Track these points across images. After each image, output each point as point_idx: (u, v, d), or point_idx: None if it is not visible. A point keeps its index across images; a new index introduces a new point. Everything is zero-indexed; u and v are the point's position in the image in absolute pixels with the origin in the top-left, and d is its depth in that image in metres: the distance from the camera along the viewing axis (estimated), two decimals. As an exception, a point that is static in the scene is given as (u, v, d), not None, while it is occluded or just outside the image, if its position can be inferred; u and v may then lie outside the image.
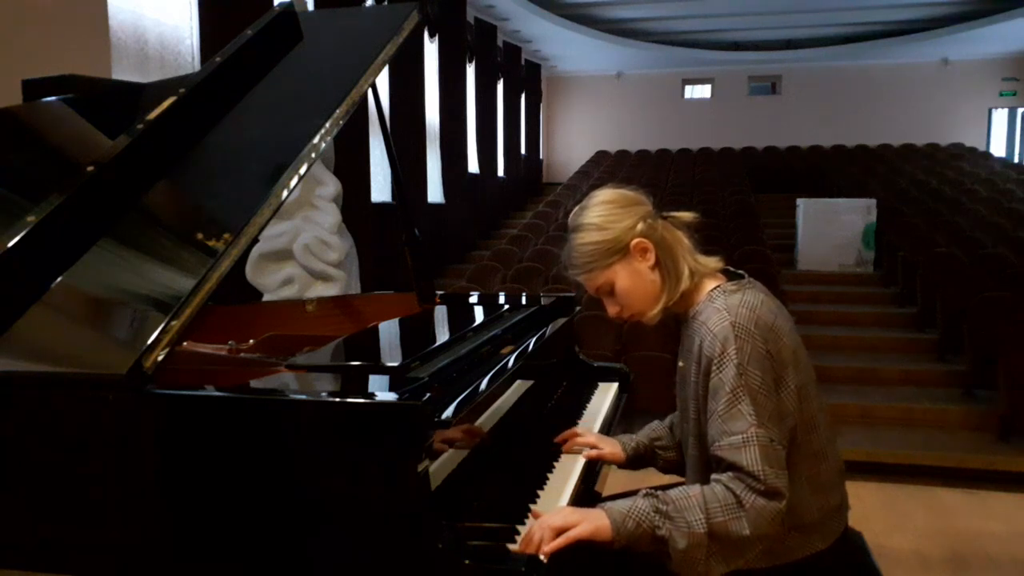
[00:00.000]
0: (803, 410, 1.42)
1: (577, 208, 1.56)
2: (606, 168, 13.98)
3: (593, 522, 1.33)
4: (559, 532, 1.29)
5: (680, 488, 1.37)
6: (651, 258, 1.49)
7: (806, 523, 1.43)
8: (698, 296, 1.50)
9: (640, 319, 1.54)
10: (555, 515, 1.33)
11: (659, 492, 1.37)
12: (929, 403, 5.48)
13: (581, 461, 1.74)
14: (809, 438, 1.44)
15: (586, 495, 1.67)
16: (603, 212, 1.51)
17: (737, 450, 1.33)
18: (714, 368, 1.39)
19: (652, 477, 2.06)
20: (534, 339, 2.05)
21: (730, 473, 1.33)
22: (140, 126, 1.70)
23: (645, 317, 1.53)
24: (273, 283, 4.38)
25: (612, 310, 1.56)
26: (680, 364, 1.58)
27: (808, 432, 1.44)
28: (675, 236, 1.52)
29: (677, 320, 1.58)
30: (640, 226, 1.49)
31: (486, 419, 1.63)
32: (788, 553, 1.44)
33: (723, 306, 1.42)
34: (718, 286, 1.49)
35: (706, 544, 1.29)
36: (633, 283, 1.50)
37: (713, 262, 1.53)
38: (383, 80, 7.96)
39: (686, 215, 1.55)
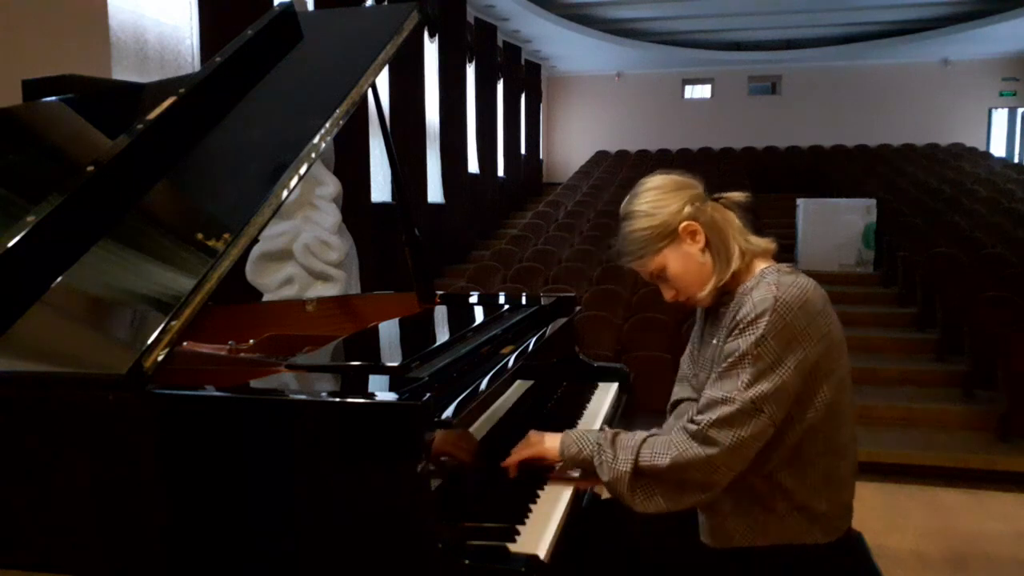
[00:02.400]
0: (838, 402, 1.42)
1: (628, 196, 1.57)
2: (606, 168, 13.98)
3: (545, 444, 1.53)
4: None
5: (638, 432, 1.46)
6: (701, 240, 1.50)
7: (812, 511, 1.43)
8: (748, 276, 1.49)
9: (697, 302, 1.55)
10: (523, 442, 1.55)
11: (617, 430, 1.48)
12: (929, 403, 5.48)
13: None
14: (837, 433, 1.44)
15: (586, 495, 1.67)
16: (651, 198, 1.52)
17: (711, 404, 1.38)
18: (737, 332, 1.40)
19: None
20: (534, 339, 2.05)
21: (684, 421, 1.41)
22: (140, 126, 1.70)
23: (702, 298, 1.53)
24: (273, 283, 4.38)
25: (668, 294, 1.57)
26: (714, 342, 1.53)
27: (837, 427, 1.43)
28: (725, 217, 1.52)
29: (720, 302, 1.56)
30: (688, 209, 1.50)
31: (486, 419, 1.63)
32: (784, 534, 1.43)
33: (774, 281, 1.42)
34: (772, 266, 1.49)
35: (627, 481, 1.41)
36: (684, 266, 1.51)
37: (765, 242, 1.53)
38: (383, 80, 7.95)
39: (738, 195, 1.56)
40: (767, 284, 1.42)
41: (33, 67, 2.30)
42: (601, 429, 1.53)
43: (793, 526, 1.43)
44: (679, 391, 1.70)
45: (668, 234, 1.50)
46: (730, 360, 1.39)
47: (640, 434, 1.45)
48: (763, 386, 1.35)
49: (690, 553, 1.53)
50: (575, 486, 1.56)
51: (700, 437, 1.37)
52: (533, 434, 1.58)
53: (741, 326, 1.40)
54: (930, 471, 4.54)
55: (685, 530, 1.56)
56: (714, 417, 1.36)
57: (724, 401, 1.37)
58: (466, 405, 1.43)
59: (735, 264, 1.49)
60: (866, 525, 1.55)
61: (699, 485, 1.39)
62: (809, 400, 1.39)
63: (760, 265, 1.50)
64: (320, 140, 1.74)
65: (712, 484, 1.39)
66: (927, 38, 13.37)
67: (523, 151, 14.58)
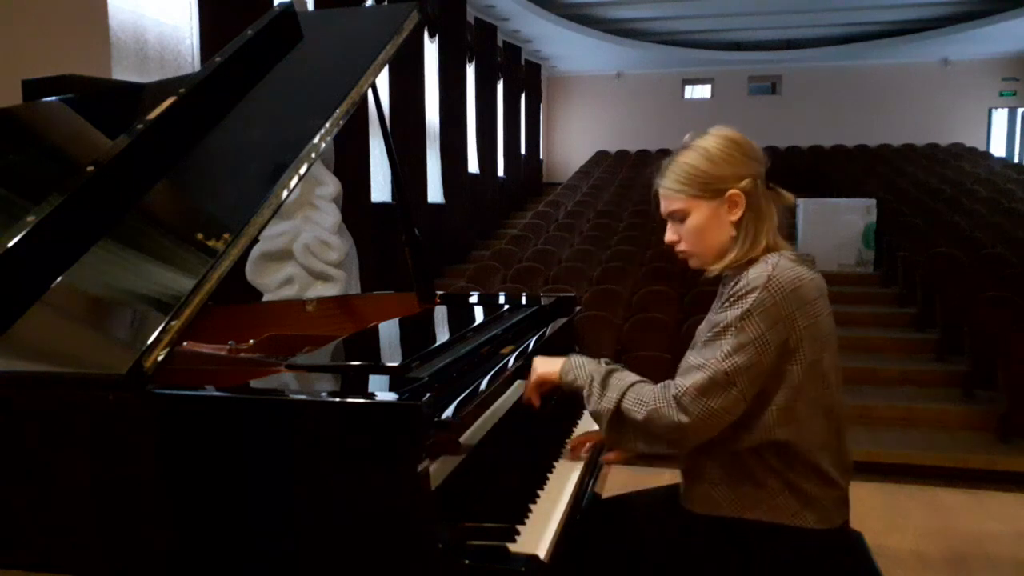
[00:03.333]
0: (819, 396, 1.42)
1: (701, 132, 1.52)
2: (606, 168, 13.98)
3: (548, 367, 1.62)
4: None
5: (631, 374, 1.50)
6: (737, 214, 1.46)
7: (803, 493, 1.43)
8: (755, 265, 1.47)
9: (691, 260, 1.53)
10: (533, 369, 1.64)
11: (614, 367, 1.53)
12: (929, 403, 5.48)
13: (581, 461, 1.74)
14: (817, 424, 1.43)
15: (586, 495, 1.67)
16: (724, 146, 1.48)
17: (689, 369, 1.41)
18: (728, 303, 1.40)
19: (652, 477, 2.07)
20: (534, 339, 2.05)
21: (668, 380, 1.44)
22: (140, 126, 1.70)
23: (699, 262, 1.52)
24: (273, 283, 4.38)
25: (670, 236, 1.54)
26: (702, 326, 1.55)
27: (818, 420, 1.43)
28: (770, 209, 1.49)
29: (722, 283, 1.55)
30: (746, 181, 1.46)
31: (486, 419, 1.63)
32: (776, 512, 1.44)
33: (774, 263, 1.41)
34: (779, 253, 1.47)
35: (608, 418, 1.46)
36: (706, 225, 1.48)
37: (787, 246, 1.51)
38: (383, 80, 7.95)
39: (789, 197, 1.53)
40: (765, 264, 1.42)
41: (33, 67, 2.30)
42: (599, 361, 1.56)
43: (784, 505, 1.44)
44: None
45: (715, 188, 1.46)
46: (715, 330, 1.40)
47: (630, 378, 1.49)
48: (739, 358, 1.36)
49: (690, 552, 1.54)
50: (585, 461, 1.67)
51: (676, 401, 1.39)
52: (538, 359, 1.65)
53: (732, 299, 1.40)
54: (930, 471, 4.54)
55: (685, 530, 1.56)
56: (688, 383, 1.38)
57: (700, 367, 1.38)
58: (466, 405, 1.43)
59: (755, 253, 1.46)
60: (866, 525, 1.55)
61: (669, 442, 1.43)
62: (783, 384, 1.40)
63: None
64: (320, 140, 1.74)
65: (681, 444, 1.43)
66: (927, 38, 13.37)
67: (523, 151, 14.58)
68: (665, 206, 1.53)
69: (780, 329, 1.37)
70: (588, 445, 1.80)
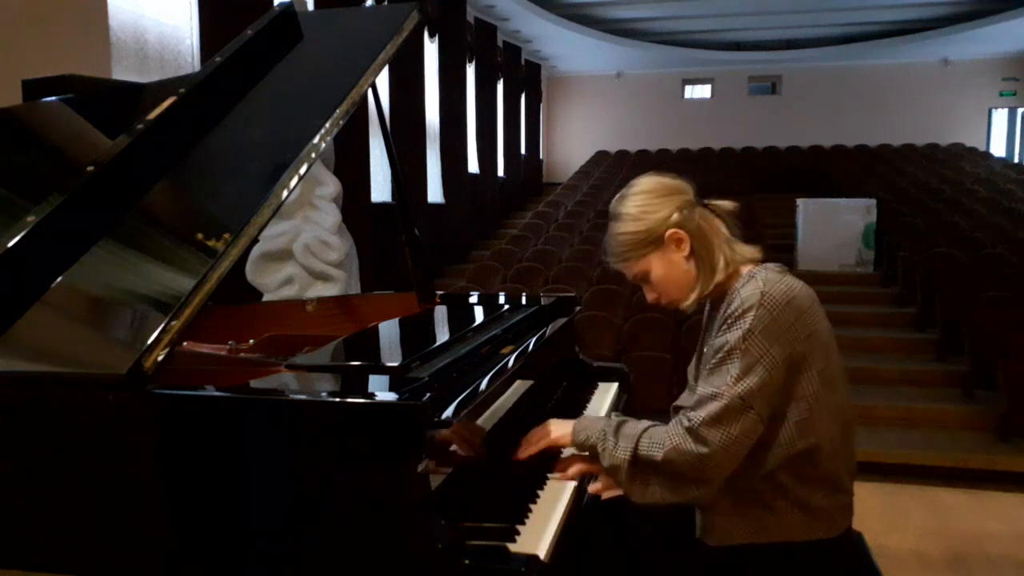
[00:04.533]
0: (827, 400, 1.42)
1: (618, 196, 1.58)
2: (606, 168, 13.97)
3: (560, 431, 1.59)
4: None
5: (643, 421, 1.49)
6: (686, 248, 1.51)
7: (811, 507, 1.43)
8: (734, 282, 1.49)
9: (680, 305, 1.56)
10: (541, 429, 1.62)
11: (624, 419, 1.51)
12: (929, 403, 5.48)
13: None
14: (827, 430, 1.43)
15: (586, 495, 1.67)
16: (640, 202, 1.53)
17: (703, 400, 1.40)
18: (726, 327, 1.42)
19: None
20: (534, 339, 2.05)
21: (681, 415, 1.42)
22: (140, 126, 1.70)
23: (681, 305, 1.56)
24: (273, 283, 4.38)
25: (650, 296, 1.59)
26: (705, 350, 1.57)
27: (828, 424, 1.43)
28: (712, 226, 1.53)
29: (710, 305, 1.58)
30: (675, 216, 1.50)
31: (486, 419, 1.63)
32: (786, 531, 1.43)
33: (762, 278, 1.43)
34: (760, 266, 1.49)
35: (626, 470, 1.44)
36: (667, 272, 1.53)
37: (751, 251, 1.53)
38: (383, 80, 7.95)
39: (726, 204, 1.56)
40: (755, 281, 1.44)
41: (33, 67, 2.30)
42: (608, 416, 1.56)
43: (794, 524, 1.44)
44: (683, 399, 1.70)
45: (654, 240, 1.51)
46: (719, 355, 1.41)
47: (643, 424, 1.48)
48: (750, 380, 1.36)
49: (690, 552, 1.53)
50: (577, 480, 1.59)
51: (693, 434, 1.38)
52: (551, 422, 1.63)
53: (729, 321, 1.42)
54: (930, 471, 4.54)
55: (685, 530, 1.56)
56: (704, 415, 1.38)
57: (714, 397, 1.38)
58: (466, 405, 1.43)
59: (719, 276, 1.50)
60: (866, 525, 1.55)
61: (693, 480, 1.40)
62: (795, 396, 1.40)
63: (746, 269, 1.51)
64: (320, 140, 1.74)
65: (706, 480, 1.40)
66: (927, 38, 13.36)
67: (523, 151, 14.58)
68: (628, 275, 1.58)
69: (784, 343, 1.38)
70: (572, 473, 1.63)
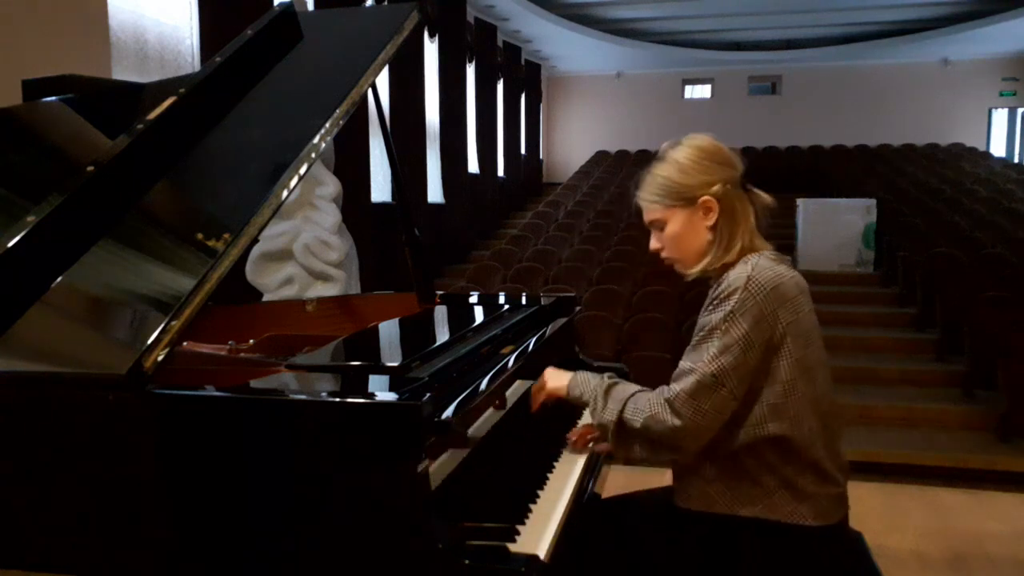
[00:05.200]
0: (806, 392, 1.44)
1: (674, 141, 1.57)
2: (606, 168, 13.98)
3: (556, 382, 1.68)
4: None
5: (632, 386, 1.56)
6: (711, 219, 1.52)
7: (799, 490, 1.44)
8: (735, 267, 1.50)
9: (675, 266, 1.60)
10: (540, 380, 1.71)
11: (615, 380, 1.58)
12: (929, 403, 5.49)
13: (581, 461, 1.74)
14: (805, 420, 1.45)
15: (585, 495, 1.67)
16: (692, 156, 1.53)
17: (680, 374, 1.45)
18: (711, 307, 1.45)
19: (652, 477, 2.06)
20: (534, 339, 2.05)
21: (663, 386, 1.48)
22: (140, 126, 1.70)
23: (682, 267, 1.58)
24: (273, 283, 4.38)
25: (654, 245, 1.61)
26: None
27: (805, 415, 1.45)
28: (745, 211, 1.53)
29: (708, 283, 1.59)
30: (717, 187, 1.50)
31: (486, 419, 1.63)
32: (772, 509, 1.45)
33: (753, 263, 1.46)
34: (760, 253, 1.51)
35: (612, 430, 1.52)
36: (683, 232, 1.54)
37: (765, 246, 1.54)
38: (383, 80, 7.95)
39: (766, 198, 1.57)
40: (745, 265, 1.46)
41: (33, 67, 2.30)
42: (602, 376, 1.61)
43: (780, 502, 1.45)
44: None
45: (687, 197, 1.52)
46: (701, 333, 1.45)
47: (631, 388, 1.54)
48: (725, 359, 1.40)
49: (675, 522, 1.54)
50: (585, 461, 1.71)
51: (669, 405, 1.44)
52: (549, 370, 1.72)
53: (715, 302, 1.45)
54: (930, 471, 4.54)
55: (681, 527, 1.56)
56: (679, 388, 1.43)
57: (690, 372, 1.43)
58: (466, 405, 1.43)
59: (731, 256, 1.50)
60: (866, 525, 1.55)
61: (667, 447, 1.47)
62: (771, 379, 1.43)
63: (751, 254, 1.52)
64: (320, 140, 1.74)
65: (680, 449, 1.47)
66: (927, 38, 13.37)
67: (523, 151, 14.58)
68: (645, 216, 1.60)
69: (764, 327, 1.41)
70: (589, 437, 1.81)
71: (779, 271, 1.46)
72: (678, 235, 1.54)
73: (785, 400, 1.43)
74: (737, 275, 1.44)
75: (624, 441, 1.52)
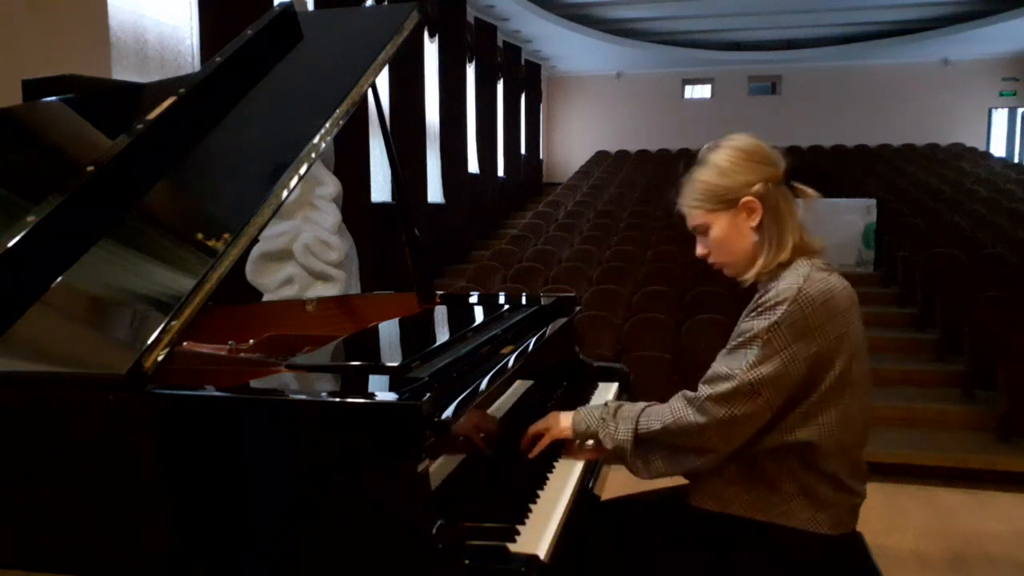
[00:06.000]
0: (848, 404, 1.42)
1: (712, 143, 1.56)
2: (606, 168, 13.98)
3: (559, 424, 1.64)
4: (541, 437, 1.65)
5: (640, 403, 1.53)
6: (756, 219, 1.49)
7: (818, 496, 1.43)
8: (786, 270, 1.48)
9: (726, 270, 1.57)
10: (540, 423, 1.66)
11: (620, 403, 1.56)
12: (929, 403, 5.48)
13: (581, 462, 1.74)
14: (844, 433, 1.43)
15: (585, 496, 1.67)
16: (731, 157, 1.51)
17: (715, 378, 1.42)
18: (756, 313, 1.42)
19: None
20: (534, 339, 2.05)
21: (684, 391, 1.46)
22: (140, 126, 1.70)
23: (733, 271, 1.55)
24: (273, 283, 4.38)
25: (700, 250, 1.59)
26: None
27: (845, 427, 1.43)
28: (790, 208, 1.52)
29: (749, 290, 1.57)
30: (758, 186, 1.49)
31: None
32: (788, 516, 1.44)
33: (804, 274, 1.43)
34: (809, 261, 1.48)
35: (629, 449, 1.49)
36: (728, 235, 1.52)
37: (819, 242, 1.53)
38: (383, 80, 7.95)
39: (810, 192, 1.56)
40: (796, 275, 1.43)
41: (33, 67, 2.30)
42: (604, 404, 1.61)
43: (797, 510, 1.43)
44: None
45: (728, 199, 1.50)
46: (740, 339, 1.42)
47: (639, 404, 1.54)
48: (765, 369, 1.37)
49: (694, 548, 1.54)
50: (585, 461, 1.66)
51: (696, 404, 1.42)
52: (551, 415, 1.67)
53: (760, 309, 1.42)
54: (930, 471, 4.54)
55: (690, 525, 1.56)
56: (712, 391, 1.40)
57: (726, 377, 1.40)
58: (466, 405, 1.43)
59: (785, 255, 1.48)
60: (866, 525, 1.55)
61: (693, 450, 1.43)
62: (813, 394, 1.40)
63: (803, 259, 1.49)
64: (320, 140, 1.73)
65: (705, 450, 1.43)
66: (927, 38, 13.37)
67: (523, 151, 14.58)
68: (689, 222, 1.57)
69: (810, 342, 1.38)
70: (585, 455, 1.72)
71: (831, 283, 1.43)
72: (724, 238, 1.52)
73: (818, 410, 1.41)
74: (787, 285, 1.41)
75: (643, 456, 1.50)
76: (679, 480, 1.62)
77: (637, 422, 1.49)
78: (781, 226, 1.49)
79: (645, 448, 1.49)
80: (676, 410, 1.44)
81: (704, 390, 1.42)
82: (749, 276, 1.52)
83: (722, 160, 1.51)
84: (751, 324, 1.42)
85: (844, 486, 1.45)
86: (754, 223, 1.49)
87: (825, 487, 1.43)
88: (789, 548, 1.44)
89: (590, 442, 1.66)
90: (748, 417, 1.39)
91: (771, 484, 1.44)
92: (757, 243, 1.50)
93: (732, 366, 1.40)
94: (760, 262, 1.49)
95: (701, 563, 1.52)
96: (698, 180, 1.53)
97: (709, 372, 1.45)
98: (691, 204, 1.54)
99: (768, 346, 1.37)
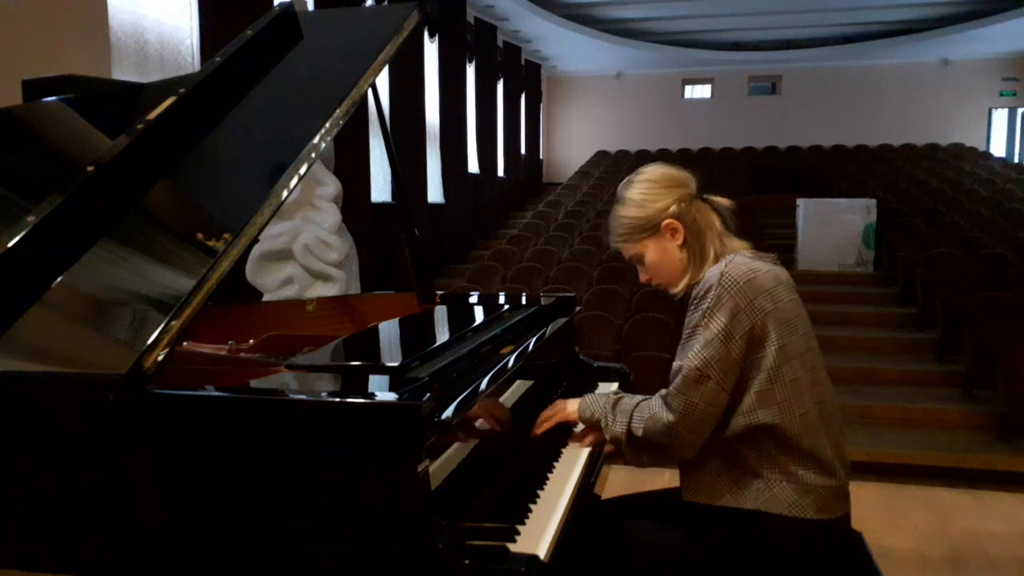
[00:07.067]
0: (792, 376, 1.47)
1: (626, 180, 1.68)
2: (606, 168, 13.98)
3: (568, 409, 1.72)
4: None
5: (636, 396, 1.61)
6: (679, 238, 1.61)
7: (800, 480, 1.47)
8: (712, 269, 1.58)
9: (668, 289, 1.68)
10: (548, 410, 1.76)
11: (620, 395, 1.64)
12: (929, 403, 5.48)
13: (581, 462, 1.74)
14: (798, 406, 1.47)
15: (586, 496, 1.67)
16: (644, 190, 1.64)
17: (672, 374, 1.53)
18: (692, 307, 1.53)
19: (653, 476, 2.07)
20: (534, 339, 2.05)
21: (662, 390, 1.55)
22: (140, 126, 1.70)
23: (671, 288, 1.67)
24: (273, 283, 4.38)
25: (643, 276, 1.71)
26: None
27: (799, 399, 1.47)
28: (707, 220, 1.62)
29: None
30: (673, 208, 1.61)
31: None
32: (774, 502, 1.47)
33: (727, 262, 1.54)
34: (738, 252, 1.58)
35: (624, 442, 1.57)
36: (660, 258, 1.64)
37: (741, 244, 1.63)
38: (383, 80, 7.96)
39: (724, 201, 1.66)
40: (719, 264, 1.54)
41: (33, 67, 2.30)
42: (608, 394, 1.68)
43: (782, 495, 1.47)
44: None
45: (651, 227, 1.62)
46: (687, 332, 1.53)
47: (635, 399, 1.60)
48: (707, 352, 1.46)
49: (690, 544, 1.54)
50: (585, 461, 1.73)
51: (664, 402, 1.51)
52: (559, 402, 1.76)
53: (695, 303, 1.53)
54: (930, 471, 4.54)
55: (686, 522, 1.56)
56: (671, 387, 1.51)
57: (677, 370, 1.50)
58: (466, 405, 1.43)
59: (708, 264, 1.59)
60: (866, 525, 1.55)
61: (671, 448, 1.51)
62: (757, 367, 1.47)
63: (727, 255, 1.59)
64: (320, 140, 1.74)
65: (679, 446, 1.50)
66: (927, 38, 13.37)
67: (523, 151, 14.58)
68: (625, 255, 1.71)
69: (742, 319, 1.46)
70: (591, 438, 1.76)
71: (754, 266, 1.52)
72: (657, 262, 1.64)
73: (771, 387, 1.47)
74: (712, 274, 1.52)
75: (635, 451, 1.57)
76: (677, 479, 1.63)
77: (631, 419, 1.56)
78: (702, 238, 1.61)
79: (636, 444, 1.56)
80: (652, 408, 1.53)
81: (669, 388, 1.52)
82: (679, 290, 1.64)
83: (636, 195, 1.64)
84: (691, 317, 1.52)
85: (824, 466, 1.48)
86: (679, 242, 1.62)
87: (805, 470, 1.47)
88: (777, 535, 1.47)
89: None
90: (706, 403, 1.46)
91: (754, 472, 1.49)
92: (685, 259, 1.63)
93: (682, 358, 1.50)
94: (689, 274, 1.62)
95: (698, 559, 1.52)
96: (621, 217, 1.66)
97: (673, 369, 1.53)
98: (621, 240, 1.67)
99: (707, 330, 1.47)
